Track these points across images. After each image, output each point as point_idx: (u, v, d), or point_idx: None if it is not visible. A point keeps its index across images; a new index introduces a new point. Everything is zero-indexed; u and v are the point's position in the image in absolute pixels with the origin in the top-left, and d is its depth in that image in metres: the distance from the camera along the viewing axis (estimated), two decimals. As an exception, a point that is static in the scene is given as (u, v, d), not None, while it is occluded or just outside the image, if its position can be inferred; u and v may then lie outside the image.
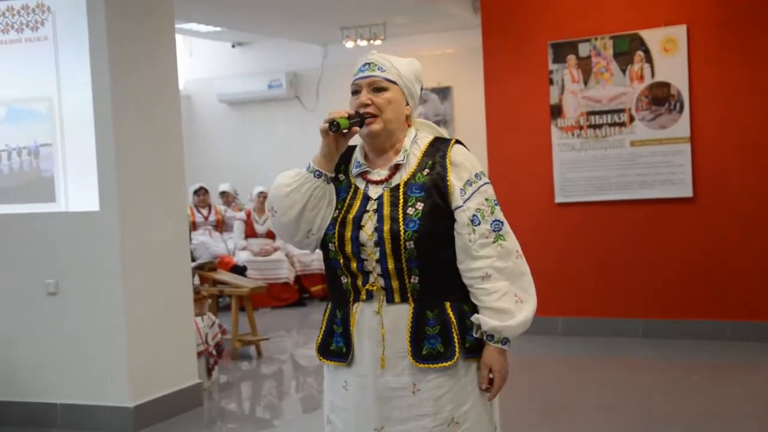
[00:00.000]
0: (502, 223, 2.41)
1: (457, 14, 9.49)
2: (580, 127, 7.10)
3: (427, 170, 2.42)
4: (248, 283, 7.59)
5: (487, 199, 2.41)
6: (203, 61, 12.09)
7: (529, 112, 7.29)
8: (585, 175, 7.11)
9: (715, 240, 6.75)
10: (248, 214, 10.25)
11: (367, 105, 2.43)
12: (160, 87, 5.40)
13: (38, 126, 5.23)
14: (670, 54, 6.82)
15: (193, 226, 9.95)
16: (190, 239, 8.62)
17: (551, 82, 7.19)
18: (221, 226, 10.44)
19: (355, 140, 2.54)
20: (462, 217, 2.38)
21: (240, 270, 9.19)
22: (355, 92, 2.47)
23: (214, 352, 6.13)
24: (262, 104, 11.90)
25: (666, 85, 6.83)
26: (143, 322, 5.17)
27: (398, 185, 2.42)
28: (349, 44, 10.27)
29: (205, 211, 10.32)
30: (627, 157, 6.96)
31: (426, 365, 2.36)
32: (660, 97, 6.85)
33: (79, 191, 5.13)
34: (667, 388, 5.64)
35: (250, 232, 10.17)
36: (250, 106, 11.98)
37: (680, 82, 6.78)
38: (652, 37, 6.86)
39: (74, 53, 5.06)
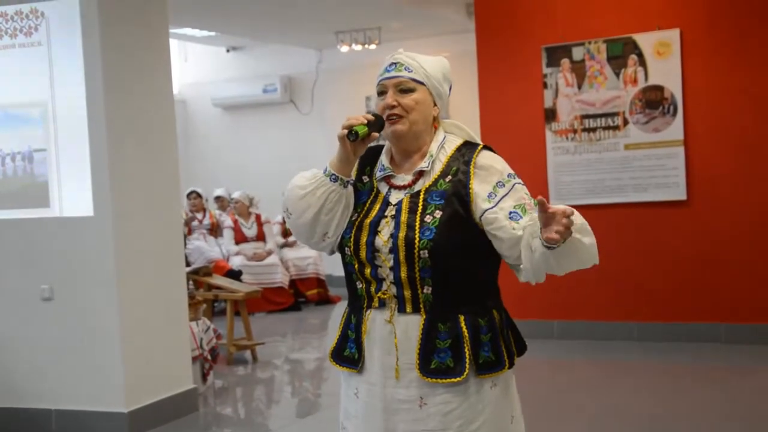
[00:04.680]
0: None
1: (451, 18, 9.49)
2: (574, 131, 7.11)
3: (450, 177, 2.31)
4: (243, 288, 7.59)
5: (527, 194, 2.31)
6: (198, 65, 12.09)
7: (523, 115, 7.30)
8: (579, 179, 7.12)
9: (708, 243, 6.77)
10: (234, 221, 10.22)
11: (393, 107, 2.32)
12: (155, 91, 5.39)
13: (32, 131, 5.22)
14: (663, 57, 6.83)
15: (188, 230, 9.94)
16: (185, 244, 8.61)
17: (545, 85, 7.21)
18: (216, 230, 10.42)
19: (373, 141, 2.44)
20: (499, 216, 2.25)
21: (235, 274, 9.17)
22: (381, 93, 2.36)
23: (209, 357, 6.12)
24: (257, 108, 11.89)
25: (659, 89, 6.85)
26: (138, 327, 5.16)
27: (419, 191, 2.32)
28: (344, 48, 10.28)
29: (199, 215, 10.31)
30: (621, 161, 6.97)
31: (434, 380, 2.26)
32: (654, 100, 6.87)
33: (73, 196, 5.13)
34: (662, 390, 5.64)
35: (240, 237, 10.15)
36: (245, 110, 11.97)
37: (674, 86, 6.80)
38: (646, 40, 6.87)
39: (68, 58, 5.06)
